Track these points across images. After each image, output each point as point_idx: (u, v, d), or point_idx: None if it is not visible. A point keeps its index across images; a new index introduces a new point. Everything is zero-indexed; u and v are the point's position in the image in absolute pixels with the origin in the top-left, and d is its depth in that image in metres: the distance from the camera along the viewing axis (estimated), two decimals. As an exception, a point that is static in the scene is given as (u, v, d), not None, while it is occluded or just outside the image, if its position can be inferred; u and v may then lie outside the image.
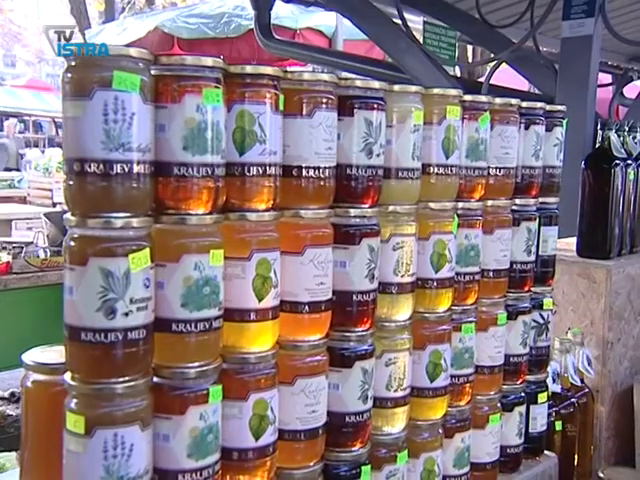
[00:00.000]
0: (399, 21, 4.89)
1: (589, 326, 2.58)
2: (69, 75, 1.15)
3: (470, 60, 10.89)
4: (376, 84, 1.50)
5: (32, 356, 1.32)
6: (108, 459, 1.14)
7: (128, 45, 3.76)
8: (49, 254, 5.30)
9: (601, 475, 2.09)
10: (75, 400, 1.16)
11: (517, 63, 5.10)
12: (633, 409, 2.61)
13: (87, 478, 1.14)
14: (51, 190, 9.73)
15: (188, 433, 1.23)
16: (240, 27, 7.04)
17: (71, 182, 1.14)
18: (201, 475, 1.25)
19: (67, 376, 1.18)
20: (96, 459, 1.13)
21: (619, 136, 2.68)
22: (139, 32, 7.46)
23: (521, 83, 5.85)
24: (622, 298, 2.65)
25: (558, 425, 2.24)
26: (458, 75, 6.74)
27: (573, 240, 2.74)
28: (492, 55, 5.29)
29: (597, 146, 2.70)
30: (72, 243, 1.15)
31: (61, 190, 1.20)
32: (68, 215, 1.16)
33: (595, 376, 2.48)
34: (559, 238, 2.15)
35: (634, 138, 2.76)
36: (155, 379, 1.22)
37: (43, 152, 12.53)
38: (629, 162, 2.68)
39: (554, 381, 2.26)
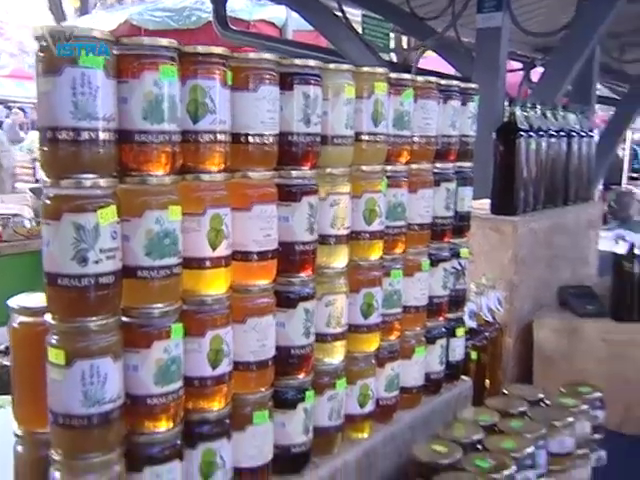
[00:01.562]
0: (340, 14, 4.89)
1: (499, 272, 2.65)
2: (41, 54, 1.13)
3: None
4: (312, 62, 1.50)
5: (17, 301, 1.31)
6: (86, 385, 1.15)
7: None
8: (34, 224, 5.20)
9: (505, 392, 2.17)
10: (56, 337, 1.16)
11: (441, 50, 5.15)
12: (533, 341, 2.72)
13: (68, 402, 1.15)
14: (34, 168, 9.49)
15: (154, 364, 1.24)
16: (200, 19, 6.96)
17: (45, 148, 1.13)
18: (166, 399, 1.26)
19: (48, 316, 1.18)
20: (76, 386, 1.14)
21: (523, 112, 2.74)
22: (110, 24, 7.25)
23: (450, 69, 5.89)
24: (526, 248, 2.73)
25: (473, 355, 2.29)
26: (394, 61, 6.76)
27: (486, 201, 2.80)
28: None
29: (505, 120, 2.75)
30: (48, 201, 1.15)
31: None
32: (43, 176, 1.15)
33: (504, 313, 2.55)
34: (474, 199, 2.18)
35: (535, 113, 2.83)
36: (124, 318, 1.23)
37: (27, 134, 12.13)
38: (531, 134, 2.75)
39: (470, 318, 2.30)
